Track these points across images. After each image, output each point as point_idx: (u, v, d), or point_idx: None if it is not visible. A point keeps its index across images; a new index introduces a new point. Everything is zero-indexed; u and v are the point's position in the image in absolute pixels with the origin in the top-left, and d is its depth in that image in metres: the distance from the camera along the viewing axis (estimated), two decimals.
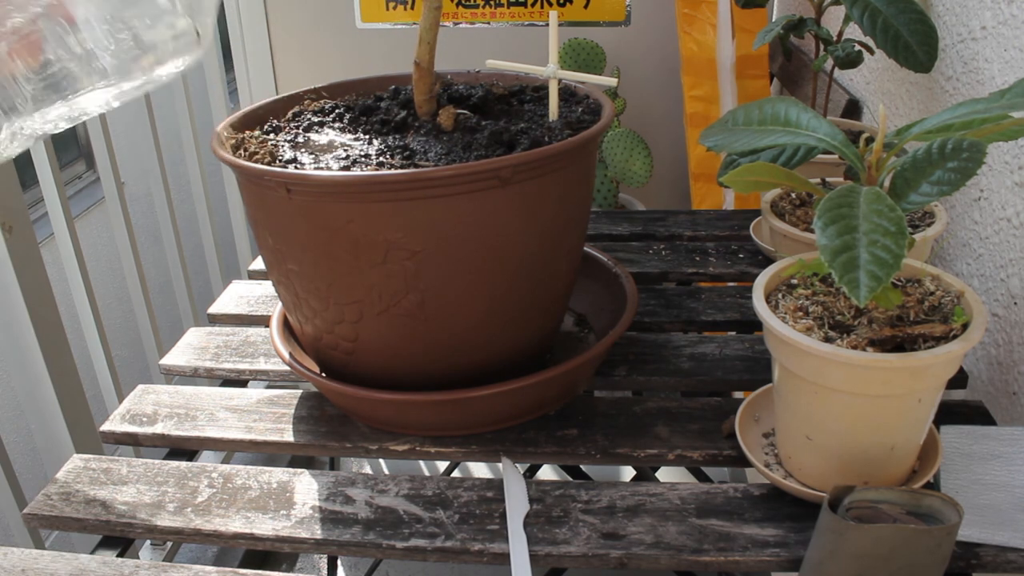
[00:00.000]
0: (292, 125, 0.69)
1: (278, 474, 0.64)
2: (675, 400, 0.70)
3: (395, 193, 0.55)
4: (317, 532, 0.58)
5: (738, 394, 0.78)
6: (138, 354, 1.38)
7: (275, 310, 0.74)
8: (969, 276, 0.79)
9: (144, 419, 0.71)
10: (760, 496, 0.59)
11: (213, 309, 0.88)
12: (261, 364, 0.78)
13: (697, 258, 0.92)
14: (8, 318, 0.99)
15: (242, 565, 1.40)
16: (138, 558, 0.66)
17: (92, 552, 0.60)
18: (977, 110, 0.53)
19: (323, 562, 1.54)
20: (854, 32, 0.94)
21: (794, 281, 0.59)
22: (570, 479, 0.66)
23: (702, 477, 1.09)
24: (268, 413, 0.71)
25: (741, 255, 0.92)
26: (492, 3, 1.39)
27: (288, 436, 0.68)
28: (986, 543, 0.53)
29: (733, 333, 0.80)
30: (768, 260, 0.89)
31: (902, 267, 0.46)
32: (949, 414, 0.66)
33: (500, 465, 0.63)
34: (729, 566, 0.55)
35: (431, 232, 0.57)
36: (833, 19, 0.99)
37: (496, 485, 0.61)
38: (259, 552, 1.44)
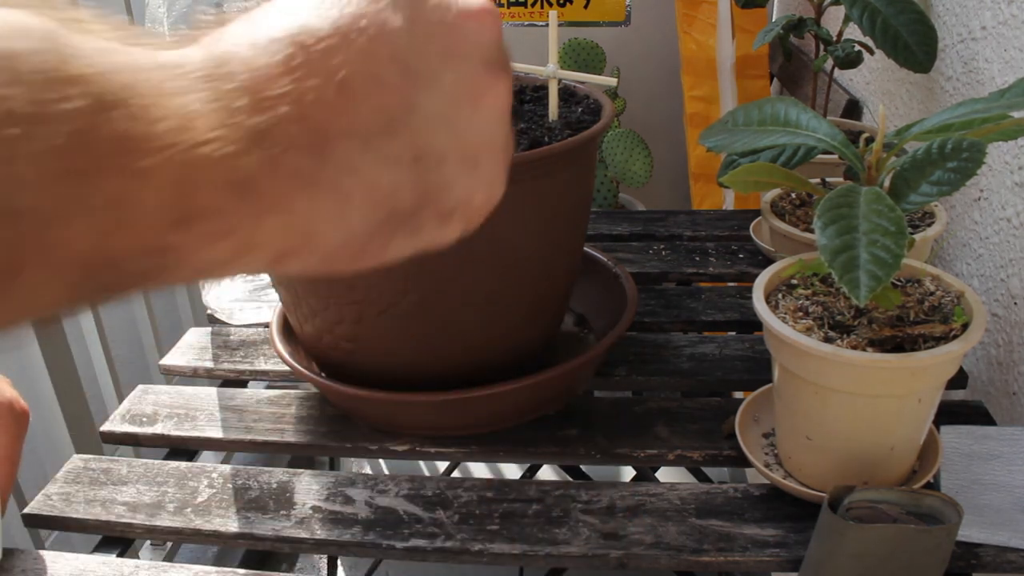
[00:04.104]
0: None
1: (278, 474, 0.64)
2: (675, 400, 0.70)
3: None
4: (317, 532, 0.58)
5: (738, 394, 0.78)
6: (138, 354, 1.38)
7: (275, 310, 0.74)
8: (969, 276, 0.79)
9: (144, 419, 0.71)
10: (760, 496, 0.59)
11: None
12: (261, 364, 0.78)
13: (697, 258, 0.92)
14: None
15: (242, 565, 1.40)
16: (138, 558, 0.66)
17: (92, 552, 0.60)
18: (977, 110, 0.53)
19: (323, 562, 1.54)
20: (854, 32, 0.94)
21: (794, 281, 0.59)
22: (570, 479, 0.66)
23: (702, 477, 1.09)
24: (268, 413, 0.71)
25: (741, 255, 0.92)
26: None
27: (288, 436, 0.68)
28: (986, 543, 0.53)
29: (733, 333, 0.80)
30: (768, 260, 0.89)
31: (902, 267, 0.46)
32: (949, 414, 0.66)
33: (500, 465, 0.63)
34: (729, 566, 0.55)
35: None
36: (833, 19, 0.99)
37: (496, 485, 0.61)
38: (259, 552, 1.44)
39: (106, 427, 0.70)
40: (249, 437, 0.68)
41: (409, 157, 0.26)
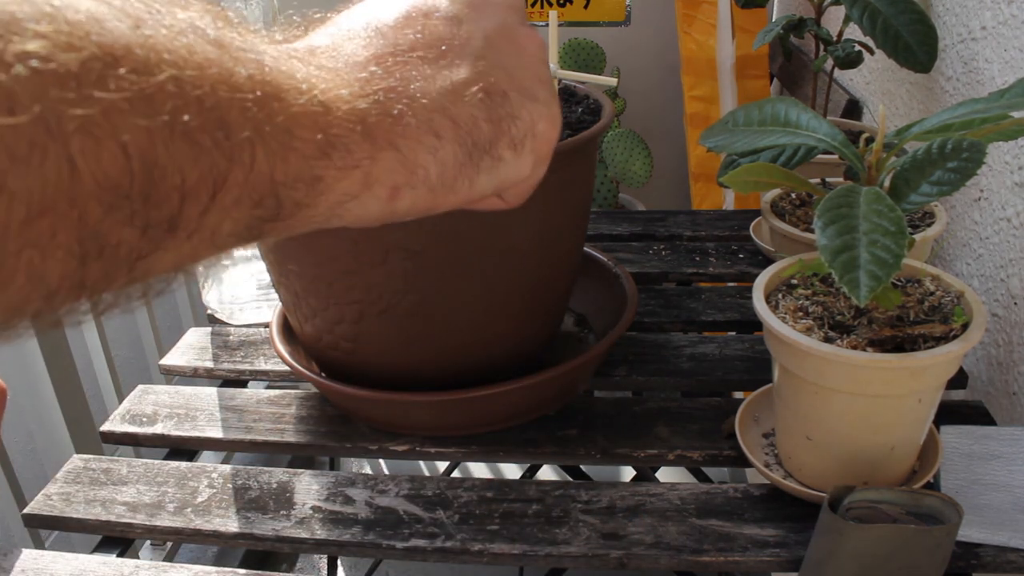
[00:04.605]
0: None
1: (278, 474, 0.64)
2: (675, 400, 0.70)
3: None
4: (317, 532, 0.58)
5: (738, 394, 0.78)
6: (138, 354, 1.38)
7: (275, 310, 0.74)
8: (969, 276, 0.79)
9: (144, 419, 0.71)
10: (760, 496, 0.59)
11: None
12: (261, 364, 0.78)
13: (697, 258, 0.92)
14: None
15: (242, 565, 1.40)
16: (138, 558, 0.66)
17: (92, 552, 0.60)
18: (977, 110, 0.53)
19: (323, 562, 1.54)
20: (854, 32, 0.94)
21: (794, 281, 0.59)
22: (570, 479, 0.66)
23: (702, 477, 1.09)
24: (268, 413, 0.71)
25: (741, 255, 0.92)
26: None
27: (288, 436, 0.68)
28: (986, 543, 0.53)
29: (733, 333, 0.80)
30: (768, 260, 0.89)
31: (902, 267, 0.46)
32: (949, 414, 0.66)
33: (500, 465, 0.63)
34: (729, 566, 0.55)
35: (431, 232, 0.57)
36: (833, 19, 0.99)
37: (496, 485, 0.61)
38: (259, 552, 1.44)
39: (106, 427, 0.70)
40: (249, 437, 0.68)
41: (479, 95, 0.33)
